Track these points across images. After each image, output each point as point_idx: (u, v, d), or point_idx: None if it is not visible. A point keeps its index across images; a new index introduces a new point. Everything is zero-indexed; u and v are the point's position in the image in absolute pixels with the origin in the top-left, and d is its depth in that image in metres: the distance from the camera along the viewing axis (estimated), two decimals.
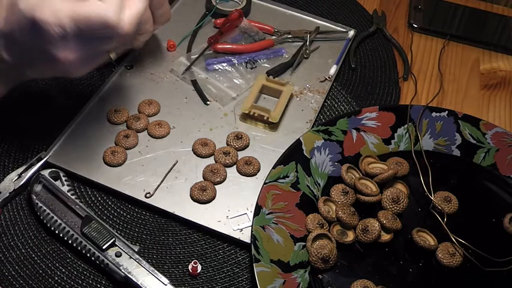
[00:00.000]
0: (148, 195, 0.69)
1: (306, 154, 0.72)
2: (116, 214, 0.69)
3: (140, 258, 0.62)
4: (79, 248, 0.63)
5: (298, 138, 0.73)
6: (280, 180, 0.69)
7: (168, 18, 0.76)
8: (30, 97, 0.78)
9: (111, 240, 0.63)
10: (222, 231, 0.67)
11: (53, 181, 0.67)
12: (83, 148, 0.73)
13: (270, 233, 0.64)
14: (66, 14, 0.55)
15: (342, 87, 0.85)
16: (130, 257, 0.62)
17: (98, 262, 0.62)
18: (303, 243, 0.65)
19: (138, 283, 0.60)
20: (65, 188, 0.67)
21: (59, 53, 0.57)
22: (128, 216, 0.69)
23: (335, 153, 0.74)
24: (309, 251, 0.64)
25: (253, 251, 0.62)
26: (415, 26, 0.97)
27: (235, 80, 0.83)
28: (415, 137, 0.76)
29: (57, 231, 0.64)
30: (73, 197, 0.66)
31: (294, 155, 0.71)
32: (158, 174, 0.71)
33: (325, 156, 0.73)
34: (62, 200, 0.66)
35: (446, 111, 0.78)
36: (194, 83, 0.82)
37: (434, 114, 0.78)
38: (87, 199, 0.69)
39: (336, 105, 0.83)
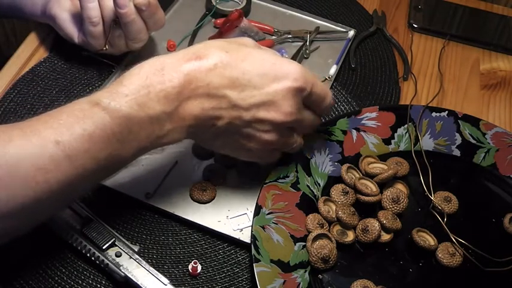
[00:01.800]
0: (148, 195, 0.69)
1: (306, 154, 0.72)
2: (116, 214, 0.69)
3: (140, 258, 0.62)
4: (79, 248, 0.63)
5: None
6: (280, 180, 0.69)
7: (162, 24, 0.77)
8: (30, 97, 0.78)
9: (111, 240, 0.63)
10: (222, 231, 0.67)
11: None
12: None
13: (270, 233, 0.64)
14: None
15: (342, 87, 0.85)
16: (130, 257, 0.62)
17: (98, 262, 0.62)
18: (303, 243, 0.65)
19: (138, 283, 0.60)
20: None
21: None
22: (128, 216, 0.69)
23: (335, 153, 0.74)
24: (309, 251, 0.64)
25: (253, 251, 0.62)
26: (415, 26, 0.97)
27: None
28: (415, 137, 0.76)
29: (57, 232, 0.64)
30: None
31: (294, 155, 0.71)
32: (158, 174, 0.71)
33: (325, 156, 0.73)
34: None
35: (446, 111, 0.78)
36: None
37: (434, 114, 0.78)
38: (87, 199, 0.69)
39: (336, 105, 0.83)
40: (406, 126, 0.77)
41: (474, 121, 0.78)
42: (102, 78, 0.81)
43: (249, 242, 0.64)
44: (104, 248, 0.62)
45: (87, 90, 0.79)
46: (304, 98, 0.62)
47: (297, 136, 0.66)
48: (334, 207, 0.69)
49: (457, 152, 0.76)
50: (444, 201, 0.71)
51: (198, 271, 0.64)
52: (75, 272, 0.63)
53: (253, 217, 0.65)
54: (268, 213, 0.66)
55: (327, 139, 0.74)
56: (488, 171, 0.75)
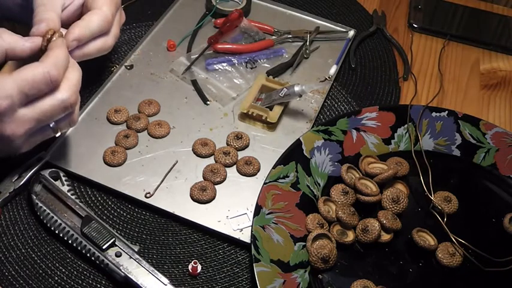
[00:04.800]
0: (148, 195, 0.69)
1: (306, 154, 0.72)
2: (116, 214, 0.69)
3: (140, 258, 0.62)
4: (79, 248, 0.63)
5: (298, 138, 0.73)
6: (280, 180, 0.69)
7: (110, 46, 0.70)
8: None
9: (111, 240, 0.63)
10: (222, 231, 0.67)
11: (53, 181, 0.67)
12: (83, 148, 0.73)
13: (270, 233, 0.64)
14: (10, 84, 0.55)
15: (342, 87, 0.85)
16: (130, 257, 0.62)
17: (98, 262, 0.62)
18: (303, 243, 0.65)
19: (138, 283, 0.60)
20: (65, 188, 0.67)
21: (7, 128, 0.56)
22: (128, 216, 0.69)
23: (335, 153, 0.74)
24: (309, 251, 0.64)
25: (253, 251, 0.62)
26: (415, 26, 0.97)
27: (235, 80, 0.83)
28: (415, 137, 0.76)
29: (57, 231, 0.64)
30: (73, 197, 0.66)
31: (294, 155, 0.71)
32: (158, 174, 0.71)
33: (325, 156, 0.73)
34: (62, 200, 0.66)
35: (446, 111, 0.78)
36: (194, 83, 0.82)
37: (434, 114, 0.78)
38: (87, 199, 0.69)
39: (336, 105, 0.83)
40: (406, 126, 0.77)
41: (474, 121, 0.78)
42: (102, 78, 0.81)
43: (249, 242, 0.64)
44: (104, 248, 0.62)
45: (88, 90, 0.80)
46: None
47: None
48: (334, 207, 0.69)
49: (457, 152, 0.76)
50: (444, 201, 0.71)
51: (198, 271, 0.64)
52: (75, 272, 0.63)
53: (253, 217, 0.65)
54: (268, 213, 0.66)
55: (327, 139, 0.74)
56: (488, 171, 0.75)
